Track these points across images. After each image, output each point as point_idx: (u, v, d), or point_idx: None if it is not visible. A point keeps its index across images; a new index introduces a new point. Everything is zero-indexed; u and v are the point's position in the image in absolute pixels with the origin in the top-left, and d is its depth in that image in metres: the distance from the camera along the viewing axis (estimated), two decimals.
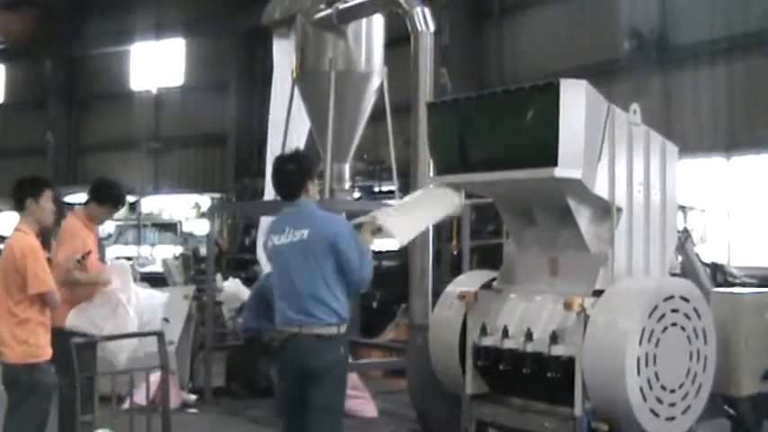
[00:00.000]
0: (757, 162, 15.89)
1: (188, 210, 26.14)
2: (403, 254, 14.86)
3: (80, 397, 6.86)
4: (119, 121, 30.93)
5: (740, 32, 15.70)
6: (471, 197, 12.85)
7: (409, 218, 6.66)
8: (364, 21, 10.71)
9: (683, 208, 13.56)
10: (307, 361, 6.11)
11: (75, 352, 6.78)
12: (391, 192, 12.36)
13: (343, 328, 6.18)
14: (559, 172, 6.05)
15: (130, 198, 26.11)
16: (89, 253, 7.41)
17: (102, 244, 24.25)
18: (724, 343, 6.85)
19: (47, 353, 6.65)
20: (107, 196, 7.81)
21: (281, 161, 6.54)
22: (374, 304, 15.25)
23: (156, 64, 30.43)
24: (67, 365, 6.74)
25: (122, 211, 26.71)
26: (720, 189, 16.35)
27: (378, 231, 6.42)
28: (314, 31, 10.85)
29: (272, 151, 12.49)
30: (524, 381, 6.55)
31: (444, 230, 15.16)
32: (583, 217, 6.48)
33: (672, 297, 6.22)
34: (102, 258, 20.10)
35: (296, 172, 6.35)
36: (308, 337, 6.09)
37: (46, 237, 7.83)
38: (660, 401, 6.07)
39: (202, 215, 24.66)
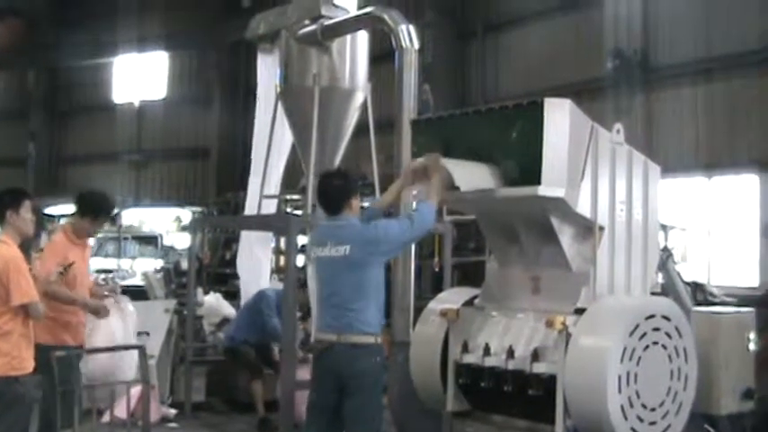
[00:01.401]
0: (737, 182, 15.97)
1: (169, 223, 26.06)
2: (384, 269, 14.88)
3: (61, 410, 6.85)
4: (101, 133, 30.81)
5: (721, 54, 15.82)
6: (453, 214, 12.92)
7: (474, 170, 6.57)
8: (349, 37, 10.72)
9: (664, 227, 13.61)
10: (343, 369, 6.28)
11: (56, 366, 6.77)
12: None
13: (379, 339, 6.39)
14: (542, 190, 6.08)
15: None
16: (71, 264, 7.39)
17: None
18: (704, 362, 6.88)
19: (29, 365, 6.62)
20: (87, 208, 7.78)
21: (327, 177, 6.81)
22: None
23: (139, 76, 30.38)
24: (49, 380, 6.75)
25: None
26: (701, 208, 16.43)
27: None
28: (298, 47, 10.86)
29: (256, 166, 12.48)
30: (506, 398, 6.56)
31: (426, 247, 15.17)
32: (565, 235, 6.50)
33: (653, 316, 6.25)
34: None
35: (340, 188, 6.56)
36: (345, 346, 6.28)
37: (26, 248, 7.78)
38: (641, 420, 6.09)
39: (184, 228, 24.59)
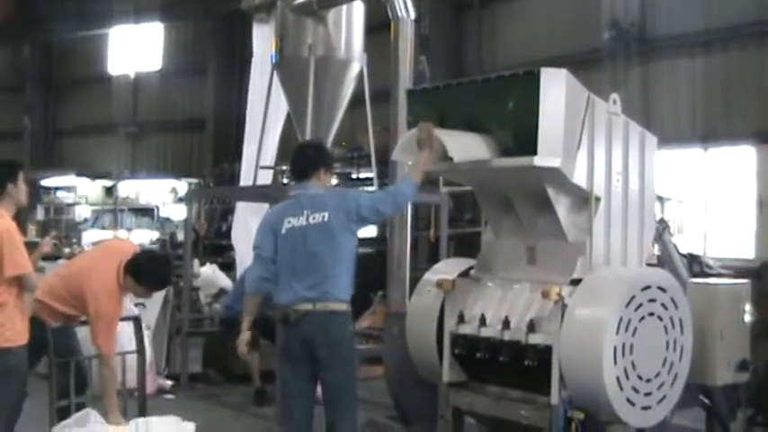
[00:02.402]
0: (734, 153, 15.96)
1: (165, 194, 26.05)
2: (380, 241, 14.88)
3: (72, 380, 6.91)
4: (96, 106, 30.76)
5: (718, 25, 15.76)
6: (449, 185, 12.89)
7: (468, 140, 6.52)
8: (345, 7, 10.69)
9: (660, 198, 13.60)
10: (318, 337, 6.24)
11: (51, 337, 6.78)
12: (369, 179, 12.34)
13: (349, 306, 6.37)
14: (539, 161, 6.06)
15: (107, 182, 26.07)
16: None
17: (78, 229, 24.21)
18: (700, 333, 6.89)
19: (23, 338, 6.59)
20: (150, 278, 7.42)
21: (302, 146, 6.99)
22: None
23: (135, 48, 30.27)
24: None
25: (99, 196, 26.73)
26: (697, 180, 16.42)
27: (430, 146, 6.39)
28: (294, 17, 10.82)
29: (250, 137, 12.46)
30: (501, 369, 6.56)
31: (422, 218, 15.18)
32: (561, 206, 6.49)
33: (649, 287, 6.24)
34: (78, 242, 19.93)
35: (313, 156, 6.61)
36: (323, 314, 6.25)
37: (23, 220, 7.75)
38: (636, 391, 6.09)
39: (180, 200, 24.59)
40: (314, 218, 6.33)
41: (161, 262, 7.65)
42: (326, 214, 6.30)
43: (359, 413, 6.56)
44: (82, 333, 7.36)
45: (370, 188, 11.99)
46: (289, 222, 6.42)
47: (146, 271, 7.26)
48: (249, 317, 6.76)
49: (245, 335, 6.71)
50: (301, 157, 6.62)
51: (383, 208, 6.40)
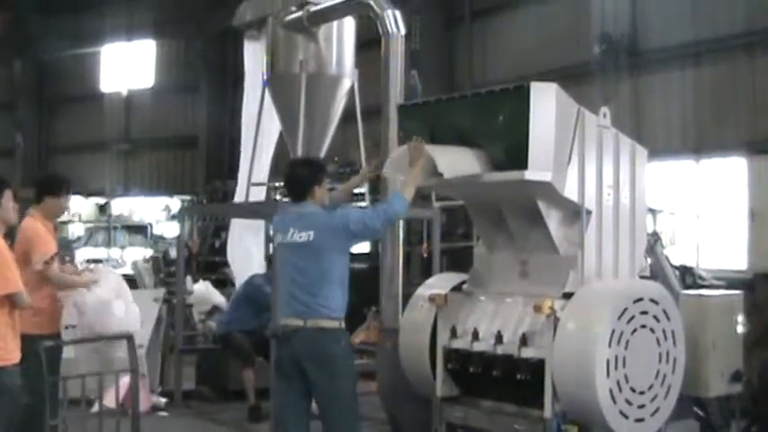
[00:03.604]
0: (725, 165, 15.99)
1: (158, 212, 26.04)
2: (373, 256, 14.87)
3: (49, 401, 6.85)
4: (89, 123, 30.73)
5: (708, 37, 15.81)
6: (442, 200, 12.90)
7: (458, 155, 6.54)
8: (335, 23, 10.70)
9: (652, 210, 13.62)
10: (309, 354, 6.30)
11: (44, 355, 6.75)
12: (362, 194, 12.35)
13: (343, 324, 6.42)
14: (529, 175, 6.08)
15: (100, 200, 26.05)
16: (56, 254, 7.41)
17: (71, 247, 24.18)
18: (693, 345, 6.91)
19: (15, 356, 6.57)
20: (59, 185, 7.78)
21: (293, 165, 6.96)
22: None
23: (127, 65, 30.29)
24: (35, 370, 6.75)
25: (92, 213, 26.70)
26: (689, 191, 16.45)
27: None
28: (285, 34, 10.83)
29: (244, 154, 12.46)
30: (495, 383, 6.57)
31: (414, 233, 15.18)
32: (553, 219, 6.51)
33: (641, 299, 6.26)
34: (71, 260, 20.01)
35: (304, 176, 6.63)
36: (311, 330, 6.31)
37: (13, 238, 7.73)
38: (629, 403, 6.10)
39: (173, 217, 24.58)
40: (300, 236, 6.40)
41: (57, 173, 8.06)
42: (312, 233, 6.36)
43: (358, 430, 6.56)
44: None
45: (363, 203, 11.97)
46: (278, 238, 6.58)
47: (54, 182, 7.62)
48: None
49: None
50: (294, 179, 6.67)
51: (373, 224, 6.39)
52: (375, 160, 6.94)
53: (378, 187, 9.44)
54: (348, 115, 11.20)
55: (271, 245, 13.77)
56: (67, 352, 7.50)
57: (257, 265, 12.75)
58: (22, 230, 7.56)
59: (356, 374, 6.61)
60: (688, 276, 9.95)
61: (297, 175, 6.67)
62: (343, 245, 6.42)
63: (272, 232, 6.79)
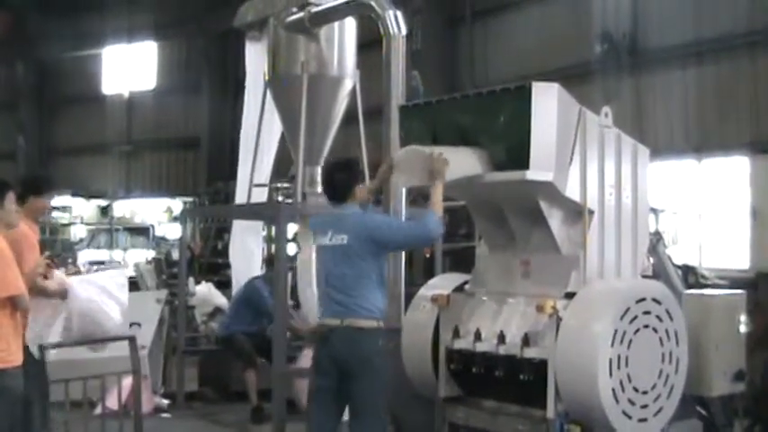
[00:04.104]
0: (728, 164, 15.98)
1: (160, 213, 26.04)
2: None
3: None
4: (90, 125, 30.78)
5: (710, 36, 15.81)
6: (444, 200, 12.84)
7: (459, 156, 6.50)
8: (337, 24, 10.69)
9: (654, 210, 13.61)
10: (346, 353, 6.41)
11: (45, 357, 6.76)
12: None
13: (381, 324, 6.51)
14: (531, 175, 6.07)
15: (102, 202, 26.05)
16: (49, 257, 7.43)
17: (74, 249, 24.21)
18: (696, 344, 6.89)
19: (17, 359, 6.58)
20: (42, 184, 7.76)
21: (330, 169, 6.96)
22: None
23: (128, 67, 30.30)
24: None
25: (94, 215, 26.70)
26: (691, 191, 16.44)
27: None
28: (286, 35, 10.82)
29: (246, 155, 12.45)
30: (497, 383, 6.55)
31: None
32: (555, 219, 6.49)
33: (644, 299, 6.24)
34: (73, 262, 19.95)
35: (343, 180, 6.69)
36: (348, 330, 6.41)
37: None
38: (632, 403, 6.09)
39: (175, 219, 24.58)
40: (336, 239, 6.51)
41: (38, 173, 7.94)
42: (346, 237, 6.46)
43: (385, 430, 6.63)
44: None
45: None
46: (317, 240, 6.73)
47: (39, 182, 7.56)
48: None
49: None
50: (333, 183, 6.72)
51: (410, 241, 6.78)
52: (388, 161, 6.92)
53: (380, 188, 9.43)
54: (350, 116, 11.19)
55: (265, 246, 13.84)
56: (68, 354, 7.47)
57: (258, 267, 12.75)
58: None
59: (387, 376, 6.63)
60: (691, 276, 9.95)
61: (336, 180, 6.71)
62: (375, 250, 6.49)
63: (311, 233, 6.92)
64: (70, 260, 24.56)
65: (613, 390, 5.96)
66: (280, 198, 13.01)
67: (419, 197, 13.22)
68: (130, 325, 10.32)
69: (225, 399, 11.57)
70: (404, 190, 8.93)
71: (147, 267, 17.43)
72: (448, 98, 6.92)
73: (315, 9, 10.43)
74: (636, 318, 6.14)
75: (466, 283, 7.15)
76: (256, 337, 10.96)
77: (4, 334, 6.43)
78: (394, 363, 7.74)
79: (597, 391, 5.89)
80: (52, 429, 6.85)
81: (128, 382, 7.68)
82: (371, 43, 10.28)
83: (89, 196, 26.71)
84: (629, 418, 6.07)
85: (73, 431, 6.73)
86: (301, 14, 10.52)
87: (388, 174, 6.83)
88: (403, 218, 8.50)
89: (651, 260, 8.84)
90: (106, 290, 7.66)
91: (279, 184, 12.63)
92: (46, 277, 7.29)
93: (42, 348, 6.88)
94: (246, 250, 13.12)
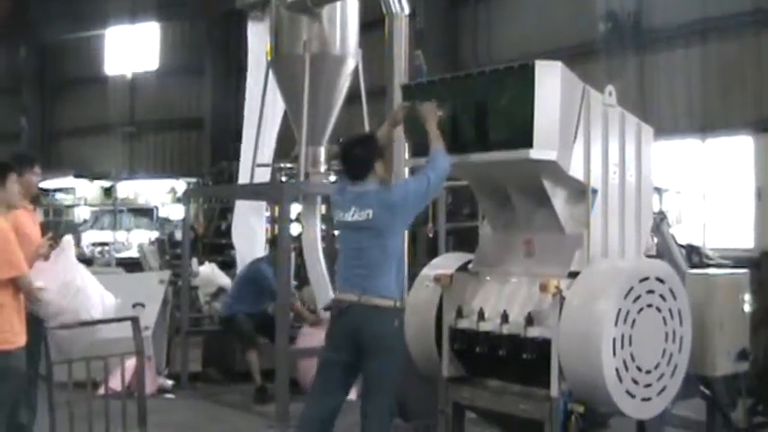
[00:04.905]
0: (732, 143, 15.95)
1: (164, 194, 26.03)
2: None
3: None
4: (93, 106, 30.75)
5: (715, 15, 15.74)
6: (447, 179, 12.82)
7: None
8: (339, 3, 10.67)
9: (658, 190, 13.59)
10: (362, 329, 6.43)
11: (48, 337, 6.76)
12: None
13: (398, 303, 6.56)
14: (534, 153, 6.03)
15: (105, 183, 26.05)
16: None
17: (77, 230, 24.26)
18: (699, 323, 6.88)
19: (21, 339, 6.60)
20: (22, 162, 7.51)
21: (348, 145, 6.88)
22: None
23: (131, 48, 30.25)
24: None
25: (98, 197, 26.70)
26: (696, 170, 16.41)
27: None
28: (288, 14, 10.79)
29: (248, 135, 12.45)
30: (501, 363, 6.54)
31: (420, 213, 15.13)
32: (558, 198, 6.47)
33: (647, 278, 6.22)
34: (77, 243, 19.93)
35: (362, 156, 6.69)
36: (365, 307, 6.43)
37: None
38: (636, 382, 6.07)
39: (178, 200, 24.58)
40: (360, 215, 6.51)
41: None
42: (371, 212, 6.47)
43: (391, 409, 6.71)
44: None
45: None
46: (340, 216, 6.67)
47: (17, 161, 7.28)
48: None
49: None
50: (353, 160, 6.71)
51: (430, 187, 6.53)
52: (397, 109, 6.96)
53: None
54: (352, 95, 11.17)
55: (269, 226, 13.84)
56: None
57: (261, 247, 12.76)
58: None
59: (402, 355, 6.71)
60: (694, 255, 9.92)
61: (355, 157, 6.71)
62: (401, 223, 6.57)
63: (333, 209, 6.91)
64: (74, 242, 24.61)
65: (617, 369, 5.94)
66: (283, 178, 13.01)
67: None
68: (134, 305, 10.38)
69: (229, 379, 11.59)
70: (407, 170, 8.92)
71: (151, 248, 17.46)
72: (450, 77, 6.88)
73: None
74: (639, 297, 6.12)
75: (469, 262, 7.13)
76: (258, 317, 10.97)
77: (7, 315, 6.44)
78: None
79: (601, 371, 5.88)
80: (55, 409, 6.83)
81: (131, 362, 7.68)
82: (374, 23, 10.26)
83: (92, 177, 26.70)
84: (633, 397, 6.06)
85: (76, 412, 6.72)
86: None
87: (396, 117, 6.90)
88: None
89: (655, 240, 8.84)
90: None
91: (282, 164, 12.61)
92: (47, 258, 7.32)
93: (45, 329, 6.87)
94: (249, 230, 13.14)
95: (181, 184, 24.96)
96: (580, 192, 6.46)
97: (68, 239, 8.02)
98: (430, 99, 6.75)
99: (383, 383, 6.50)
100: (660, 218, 8.81)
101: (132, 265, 16.70)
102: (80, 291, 7.71)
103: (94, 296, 7.91)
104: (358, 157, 6.69)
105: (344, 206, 6.65)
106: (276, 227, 12.16)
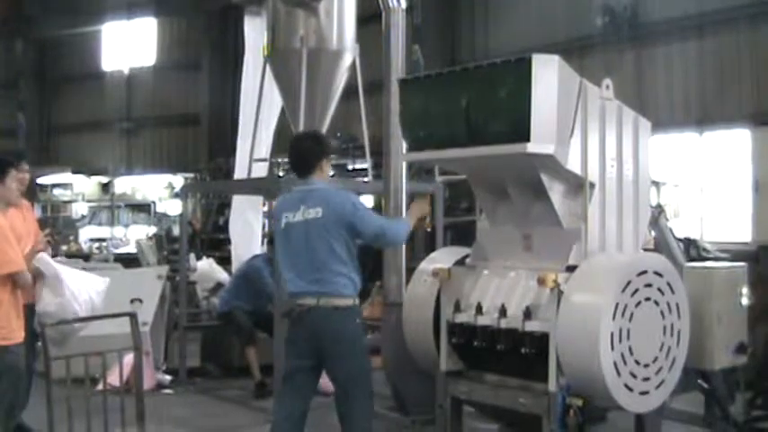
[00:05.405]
0: (729, 137, 15.94)
1: (161, 190, 26.04)
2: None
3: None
4: (91, 102, 30.71)
5: (712, 9, 15.73)
6: (445, 174, 12.84)
7: None
8: None
9: (656, 183, 13.59)
10: (323, 333, 6.29)
11: (44, 334, 6.75)
12: (364, 169, 12.32)
13: (357, 301, 6.43)
14: (532, 147, 6.03)
15: (103, 179, 26.06)
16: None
17: (75, 226, 24.25)
18: (697, 317, 6.88)
19: (19, 335, 6.59)
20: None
21: (298, 139, 6.89)
22: None
23: (128, 44, 30.22)
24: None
25: (95, 192, 26.72)
26: (693, 164, 16.41)
27: None
28: (285, 9, 10.79)
29: (244, 130, 12.44)
30: (499, 357, 6.55)
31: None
32: (556, 192, 6.47)
33: (645, 272, 6.22)
34: (75, 239, 19.90)
35: (311, 150, 6.57)
36: (325, 309, 6.28)
37: None
38: (634, 376, 6.08)
39: (176, 195, 24.58)
40: (309, 213, 6.35)
41: None
42: (320, 210, 6.32)
43: (372, 406, 6.56)
44: None
45: (365, 179, 11.96)
46: (286, 218, 6.46)
47: None
48: None
49: None
50: (299, 152, 6.61)
51: (378, 232, 6.45)
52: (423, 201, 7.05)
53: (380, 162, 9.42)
54: (350, 90, 11.17)
55: (267, 222, 13.83)
56: None
57: (258, 242, 12.76)
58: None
59: (368, 352, 6.61)
60: (692, 249, 9.91)
61: (303, 149, 6.62)
62: (343, 226, 6.35)
63: (276, 213, 6.68)
64: (72, 237, 24.65)
65: (615, 363, 5.95)
66: (280, 173, 13.02)
67: (421, 171, 13.24)
68: (132, 301, 10.37)
69: (227, 374, 11.59)
70: (404, 165, 8.94)
71: (149, 244, 17.45)
72: (447, 71, 6.87)
73: None
74: (637, 291, 6.13)
75: (467, 256, 7.14)
76: (256, 312, 10.96)
77: (5, 311, 6.44)
78: (396, 337, 7.77)
79: (599, 364, 5.88)
80: (53, 405, 6.83)
81: (129, 358, 7.68)
82: (371, 17, 10.24)
83: (90, 173, 26.72)
84: (631, 390, 6.07)
85: (74, 407, 6.71)
86: None
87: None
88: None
89: (653, 233, 8.84)
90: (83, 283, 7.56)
91: (279, 159, 12.62)
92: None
93: (42, 326, 6.86)
94: (247, 226, 13.13)
95: (178, 180, 24.99)
96: (578, 186, 6.47)
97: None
98: (426, 94, 6.77)
99: (359, 382, 6.37)
100: (658, 211, 8.80)
101: (130, 261, 16.69)
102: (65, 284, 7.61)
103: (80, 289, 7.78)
104: (305, 151, 6.58)
105: (292, 207, 6.46)
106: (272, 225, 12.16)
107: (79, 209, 27.00)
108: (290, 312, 6.45)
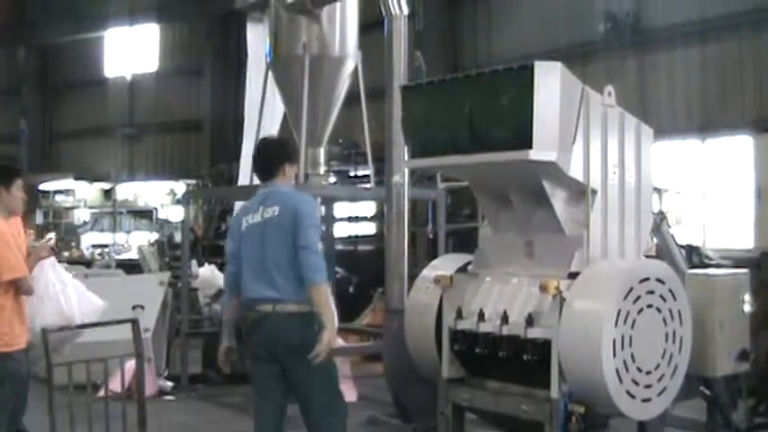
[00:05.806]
0: (732, 143, 15.93)
1: (163, 196, 26.03)
2: (379, 238, 14.84)
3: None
4: (93, 108, 30.72)
5: (714, 15, 15.73)
6: (447, 181, 12.85)
7: None
8: (338, 4, 10.67)
9: (658, 190, 13.58)
10: (281, 340, 6.10)
11: (46, 340, 6.75)
12: (366, 176, 12.33)
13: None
14: (534, 154, 6.03)
15: (105, 185, 26.06)
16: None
17: (77, 232, 24.25)
18: (699, 324, 6.88)
19: (22, 341, 6.59)
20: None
21: (263, 143, 6.73)
22: (350, 289, 15.26)
23: (130, 50, 30.24)
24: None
25: (97, 198, 26.71)
26: (695, 171, 16.40)
27: None
28: (287, 15, 10.80)
29: (248, 136, 12.45)
30: (501, 364, 6.54)
31: (420, 214, 15.16)
32: (558, 199, 6.47)
33: (647, 279, 6.22)
34: (77, 245, 19.88)
35: (275, 154, 6.46)
36: (282, 316, 6.09)
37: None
38: (636, 383, 6.08)
39: (178, 202, 24.56)
40: (267, 213, 6.21)
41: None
42: (277, 208, 6.17)
43: (344, 411, 6.34)
44: None
45: (368, 185, 11.97)
46: (246, 221, 6.33)
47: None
48: (229, 322, 6.59)
49: (225, 346, 6.56)
50: (264, 155, 6.50)
51: (303, 249, 6.05)
52: None
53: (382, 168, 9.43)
54: (352, 96, 11.18)
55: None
56: None
57: None
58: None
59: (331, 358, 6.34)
60: (694, 256, 9.91)
61: (269, 153, 6.49)
62: (294, 228, 6.12)
63: (237, 219, 6.52)
64: (74, 244, 24.66)
65: (617, 370, 5.94)
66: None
67: (423, 177, 13.24)
68: (133, 307, 10.37)
69: (229, 381, 11.55)
70: (407, 171, 8.94)
71: (150, 250, 17.44)
72: (450, 78, 6.88)
73: None
74: (639, 298, 6.12)
75: (469, 263, 7.13)
76: None
77: (8, 317, 6.44)
78: (398, 344, 7.76)
79: (601, 371, 5.88)
80: (55, 411, 6.83)
81: (131, 364, 7.68)
82: (374, 24, 10.26)
83: (92, 179, 26.70)
84: (633, 397, 6.07)
85: (76, 414, 6.71)
86: None
87: None
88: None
89: (655, 240, 8.83)
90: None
91: None
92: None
93: (45, 332, 6.86)
94: None
95: (180, 186, 24.95)
96: (580, 192, 6.47)
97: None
98: (428, 101, 6.78)
99: (322, 391, 6.18)
100: (660, 218, 8.80)
101: (132, 267, 16.70)
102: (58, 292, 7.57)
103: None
104: (270, 154, 6.46)
105: (252, 208, 6.32)
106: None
107: (81, 215, 26.98)
108: (247, 318, 6.27)
